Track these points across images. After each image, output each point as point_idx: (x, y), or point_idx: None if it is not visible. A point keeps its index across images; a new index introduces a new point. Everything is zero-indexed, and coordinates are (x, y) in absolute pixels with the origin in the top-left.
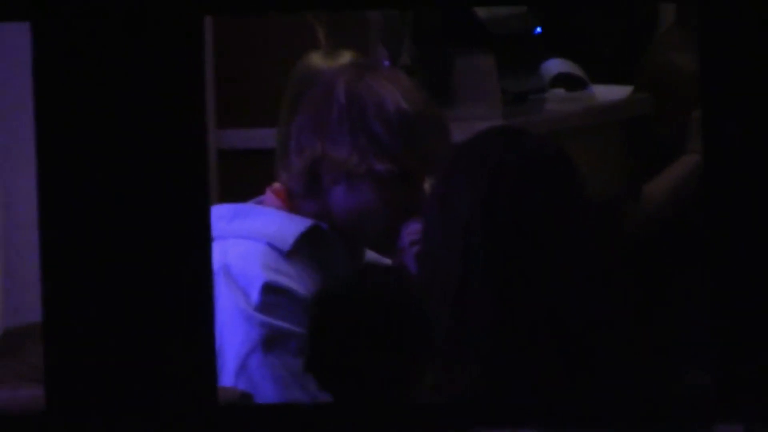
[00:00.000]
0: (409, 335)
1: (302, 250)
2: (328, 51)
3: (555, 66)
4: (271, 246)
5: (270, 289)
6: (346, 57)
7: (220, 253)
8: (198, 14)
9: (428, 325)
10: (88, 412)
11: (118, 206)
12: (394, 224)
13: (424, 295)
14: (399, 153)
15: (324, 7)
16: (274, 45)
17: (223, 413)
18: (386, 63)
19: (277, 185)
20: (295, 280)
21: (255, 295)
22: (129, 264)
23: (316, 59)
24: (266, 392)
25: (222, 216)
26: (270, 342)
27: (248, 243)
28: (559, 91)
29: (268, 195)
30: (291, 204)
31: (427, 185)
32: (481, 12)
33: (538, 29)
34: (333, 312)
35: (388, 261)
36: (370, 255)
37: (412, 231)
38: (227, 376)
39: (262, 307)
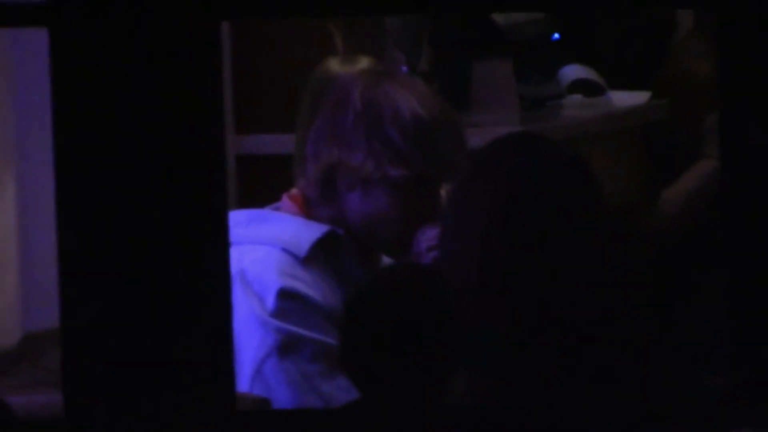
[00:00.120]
0: (440, 338)
1: (318, 256)
2: (345, 57)
3: (572, 72)
4: (287, 252)
5: (285, 295)
6: (363, 63)
7: (236, 259)
8: (215, 19)
9: (455, 327)
10: (106, 417)
11: (136, 212)
12: (409, 230)
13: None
14: (414, 159)
15: (342, 12)
16: (292, 50)
17: (240, 419)
18: (404, 69)
19: (293, 191)
20: (311, 285)
21: (270, 300)
22: (147, 269)
23: (334, 65)
24: (281, 397)
25: (238, 222)
26: (285, 347)
27: (264, 249)
28: (577, 97)
29: (285, 201)
30: (307, 210)
31: (442, 191)
32: (499, 18)
33: (556, 35)
34: (368, 312)
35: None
36: (386, 261)
37: (429, 237)
38: (243, 381)
39: (278, 312)
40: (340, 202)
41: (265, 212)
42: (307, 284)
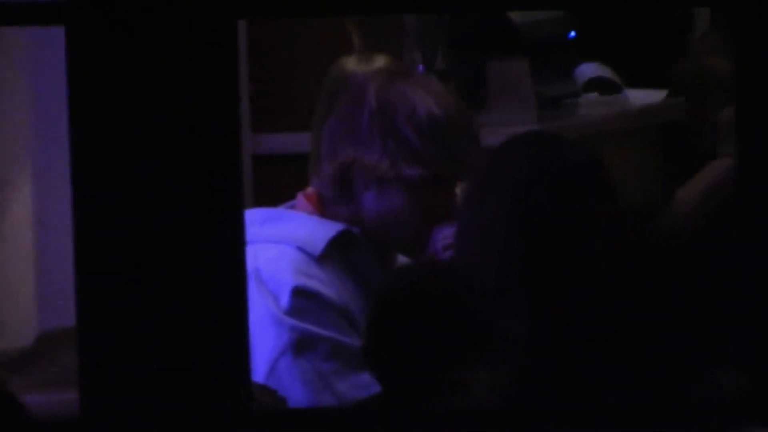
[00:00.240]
0: (458, 337)
1: (333, 255)
2: (362, 55)
3: (589, 70)
4: (302, 250)
5: (300, 294)
6: (380, 61)
7: (252, 258)
8: (232, 18)
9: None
10: (122, 416)
11: (152, 211)
12: (425, 229)
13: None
14: (430, 158)
15: (358, 11)
16: (309, 49)
17: (255, 418)
18: (421, 67)
19: (309, 190)
20: (326, 284)
21: (285, 299)
22: (163, 268)
23: (350, 63)
24: (296, 396)
25: (253, 220)
26: (300, 346)
27: (279, 247)
28: (593, 96)
29: (300, 199)
30: (322, 209)
31: (458, 190)
32: (516, 17)
33: (572, 33)
34: (387, 311)
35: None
36: (401, 260)
37: (445, 235)
38: (257, 380)
39: (292, 311)
40: (356, 202)
41: (281, 211)
42: (322, 283)
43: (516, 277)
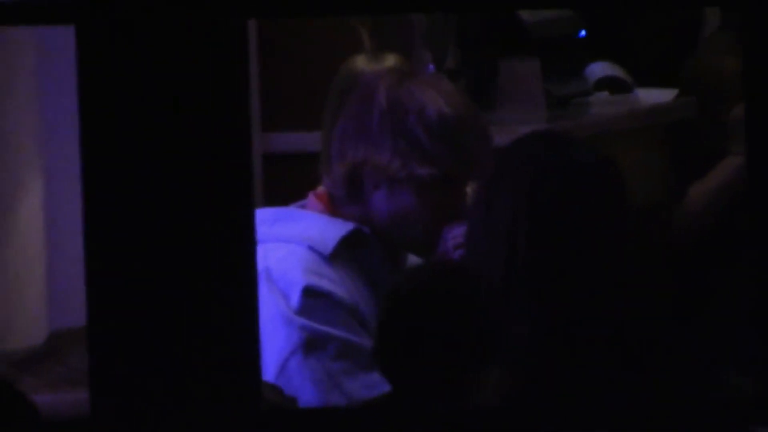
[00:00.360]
0: (468, 336)
1: (343, 254)
2: (372, 54)
3: (599, 69)
4: (313, 250)
5: (310, 293)
6: (390, 61)
7: (262, 257)
8: (241, 17)
9: (487, 323)
10: (132, 416)
11: (162, 210)
12: (435, 229)
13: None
14: (440, 157)
15: (368, 11)
16: (319, 48)
17: (265, 417)
18: (431, 66)
19: (319, 189)
20: (336, 283)
21: (295, 298)
22: (173, 268)
23: (360, 63)
24: (306, 395)
25: (264, 220)
26: (310, 345)
27: (289, 246)
28: (604, 95)
29: (311, 199)
30: (333, 208)
31: (468, 189)
32: (526, 16)
33: (583, 32)
34: (398, 311)
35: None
36: (412, 260)
37: (455, 235)
38: (267, 379)
39: (303, 310)
40: (366, 201)
41: (291, 210)
42: (332, 282)
43: (525, 277)
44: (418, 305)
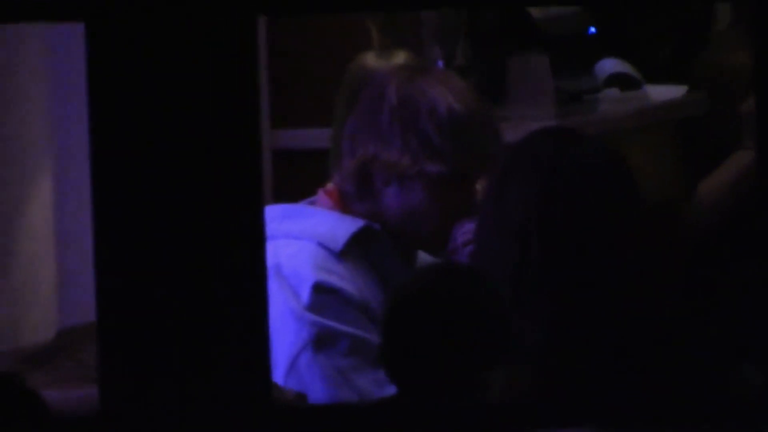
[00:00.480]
0: (477, 336)
1: (354, 251)
2: (381, 51)
3: (609, 66)
4: (323, 246)
5: (321, 289)
6: (400, 57)
7: (272, 254)
8: (251, 14)
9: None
10: (143, 412)
11: (172, 207)
12: (445, 225)
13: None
14: (451, 154)
15: (377, 8)
16: (328, 45)
17: (275, 413)
18: (440, 63)
19: (329, 186)
20: (346, 280)
21: (306, 294)
22: (183, 264)
23: (370, 60)
24: (316, 391)
25: (274, 216)
26: (320, 341)
27: (300, 243)
28: (613, 91)
29: (321, 196)
30: (343, 205)
31: (478, 186)
32: (536, 12)
33: (592, 29)
34: (406, 308)
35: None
36: (422, 256)
37: (465, 231)
38: (277, 375)
39: (313, 306)
40: (376, 198)
41: (301, 207)
42: (342, 278)
43: (536, 274)
44: (422, 306)
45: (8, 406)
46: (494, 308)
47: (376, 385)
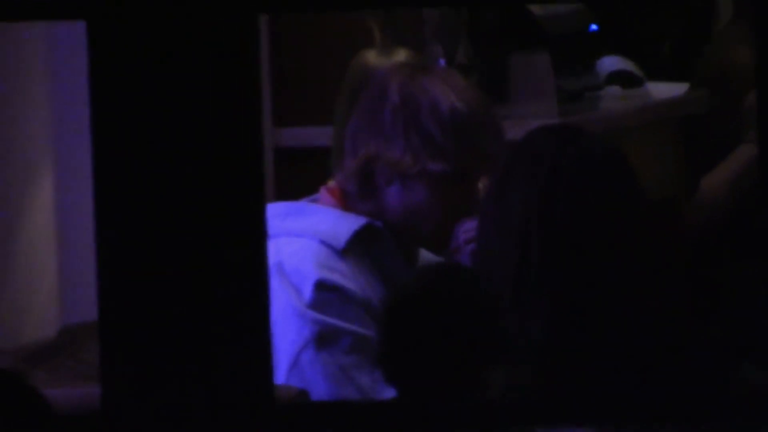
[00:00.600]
0: (479, 332)
1: (356, 249)
2: (383, 49)
3: (610, 63)
4: (325, 244)
5: (323, 287)
6: (401, 55)
7: (274, 251)
8: (253, 12)
9: (496, 323)
10: (144, 410)
11: (174, 205)
12: (447, 224)
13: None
14: (453, 153)
15: (380, 5)
16: (330, 43)
17: (278, 411)
18: (442, 61)
19: (331, 184)
20: (349, 278)
21: (308, 292)
22: (185, 262)
23: (371, 58)
24: (318, 389)
25: (276, 214)
26: (322, 339)
27: (302, 241)
28: (615, 89)
29: (323, 193)
30: (345, 203)
31: (480, 185)
32: (537, 10)
33: (594, 27)
34: (406, 306)
35: (442, 260)
36: (424, 255)
37: (467, 229)
38: (280, 373)
39: (315, 304)
40: (379, 196)
41: (303, 205)
42: (345, 276)
43: (538, 271)
44: (418, 307)
45: (9, 405)
46: (490, 307)
47: (378, 383)
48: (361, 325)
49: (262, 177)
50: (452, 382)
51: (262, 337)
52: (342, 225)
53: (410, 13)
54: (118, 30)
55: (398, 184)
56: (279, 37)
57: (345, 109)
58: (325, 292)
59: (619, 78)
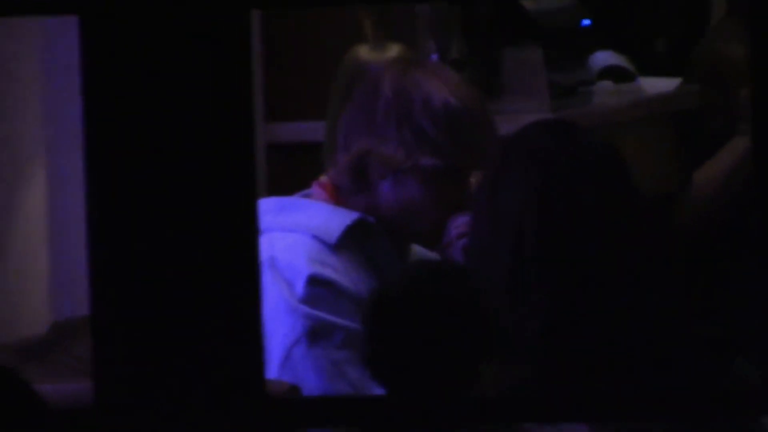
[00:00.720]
0: (468, 330)
1: (349, 244)
2: (376, 44)
3: (603, 58)
4: (318, 239)
5: (315, 282)
6: (394, 51)
7: (267, 246)
8: (245, 8)
9: (487, 320)
10: (137, 405)
11: (165, 200)
12: (440, 219)
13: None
14: (446, 148)
15: (372, 0)
16: (323, 38)
17: (270, 406)
18: (435, 56)
19: (324, 179)
20: (341, 273)
21: (300, 287)
22: (177, 257)
23: (364, 53)
24: (310, 384)
25: (268, 209)
26: (314, 334)
27: (294, 236)
28: (607, 84)
29: (315, 188)
30: (338, 199)
31: (473, 180)
32: (530, 5)
33: (586, 22)
34: (392, 305)
35: (435, 256)
36: (417, 250)
37: (458, 224)
38: (272, 368)
39: (307, 299)
40: (371, 192)
41: (296, 200)
42: (337, 271)
43: (531, 267)
44: (405, 305)
45: (2, 400)
46: (480, 303)
47: (370, 379)
48: (354, 320)
49: (254, 172)
50: (441, 379)
51: (254, 332)
52: (334, 220)
53: (403, 8)
54: (110, 24)
55: (391, 179)
56: (271, 32)
57: (338, 105)
58: (318, 287)
59: (611, 73)
